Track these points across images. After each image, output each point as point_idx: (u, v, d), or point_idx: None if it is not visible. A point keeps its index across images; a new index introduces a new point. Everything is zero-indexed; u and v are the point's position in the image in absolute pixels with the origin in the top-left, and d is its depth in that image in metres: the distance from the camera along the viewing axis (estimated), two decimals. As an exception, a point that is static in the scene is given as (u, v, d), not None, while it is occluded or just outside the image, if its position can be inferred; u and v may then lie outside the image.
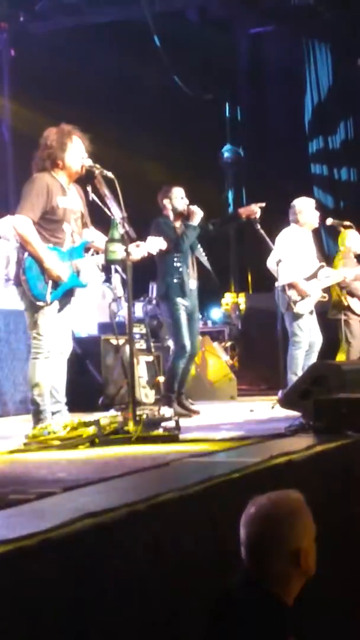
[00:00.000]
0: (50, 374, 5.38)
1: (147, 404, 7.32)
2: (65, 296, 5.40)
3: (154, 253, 5.82)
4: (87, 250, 5.58)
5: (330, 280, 8.12)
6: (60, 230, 5.38)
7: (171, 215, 7.10)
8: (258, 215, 7.17)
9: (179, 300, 7.00)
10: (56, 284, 5.28)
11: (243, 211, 7.36)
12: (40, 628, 2.19)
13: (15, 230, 5.29)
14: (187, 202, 7.14)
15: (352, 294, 8.97)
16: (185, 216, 7.10)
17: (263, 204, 7.22)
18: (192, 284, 7.13)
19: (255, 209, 7.18)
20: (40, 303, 5.25)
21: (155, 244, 5.72)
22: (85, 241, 5.52)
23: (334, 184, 13.63)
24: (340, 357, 8.85)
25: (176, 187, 7.20)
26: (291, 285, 7.60)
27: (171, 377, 7.06)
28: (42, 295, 5.24)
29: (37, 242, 5.23)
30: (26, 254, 5.25)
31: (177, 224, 7.11)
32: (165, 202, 7.12)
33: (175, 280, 7.01)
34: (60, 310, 5.42)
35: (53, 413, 5.40)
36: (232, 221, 8.08)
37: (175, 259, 7.02)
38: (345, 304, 8.96)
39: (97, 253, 5.53)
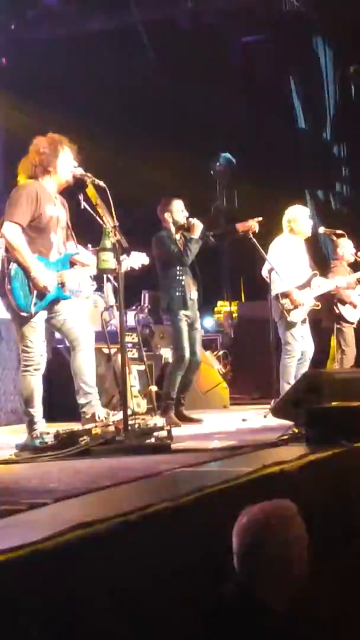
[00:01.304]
0: (41, 385, 5.36)
1: (139, 414, 7.29)
2: (51, 304, 5.36)
3: (137, 268, 5.82)
4: (71, 264, 5.56)
5: (323, 289, 8.12)
6: (47, 239, 5.35)
7: (172, 228, 7.12)
8: (256, 230, 7.21)
9: (182, 312, 7.05)
10: (42, 294, 5.24)
11: (240, 226, 7.36)
12: (28, 638, 2.17)
13: (4, 237, 5.26)
14: (187, 214, 7.16)
15: (343, 301, 8.99)
16: (185, 228, 7.12)
17: (260, 219, 7.25)
18: (194, 294, 7.21)
19: (253, 225, 7.21)
20: (23, 314, 5.21)
21: (138, 259, 5.73)
22: (69, 253, 5.50)
23: (327, 192, 13.67)
24: (330, 365, 8.86)
25: (176, 199, 7.22)
26: (285, 294, 7.60)
27: (169, 386, 7.08)
28: (27, 306, 5.20)
29: (26, 250, 5.20)
30: (12, 263, 5.22)
31: (178, 236, 7.15)
32: (167, 215, 7.14)
33: (177, 293, 7.08)
34: (52, 314, 5.39)
35: (82, 405, 5.39)
36: (229, 235, 8.05)
37: (179, 272, 7.10)
38: (337, 312, 8.98)
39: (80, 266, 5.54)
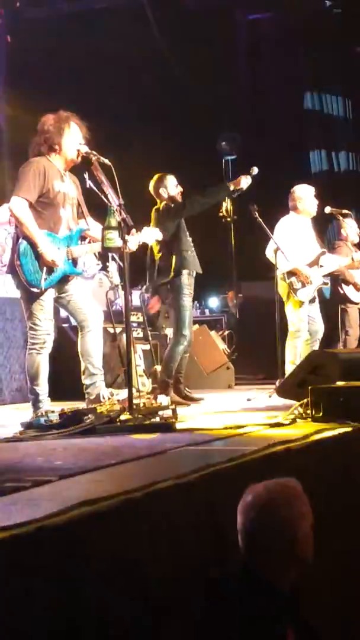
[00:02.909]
0: (47, 364, 5.37)
1: (144, 393, 7.30)
2: (61, 283, 5.38)
3: (149, 243, 5.79)
4: (82, 239, 5.57)
5: (332, 266, 8.07)
6: (56, 215, 5.35)
7: (168, 202, 7.07)
8: (244, 187, 6.92)
9: (188, 288, 6.96)
10: (50, 270, 5.25)
11: (232, 184, 7.09)
12: (34, 616, 2.18)
13: (12, 212, 5.27)
14: (181, 189, 7.12)
15: (347, 282, 8.96)
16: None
17: (255, 169, 6.97)
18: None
19: (243, 183, 6.91)
20: (34, 289, 5.23)
21: (151, 235, 5.71)
22: (80, 228, 5.50)
23: (332, 169, 13.60)
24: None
25: (169, 175, 7.17)
26: (292, 272, 7.55)
27: (171, 365, 7.05)
28: (37, 281, 5.22)
29: (33, 225, 5.20)
30: (21, 239, 5.22)
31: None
32: (162, 191, 7.09)
33: (190, 252, 7.01)
34: (62, 294, 5.39)
35: (87, 386, 5.40)
36: (222, 191, 7.71)
37: (187, 234, 7.04)
38: (341, 292, 8.95)
39: (92, 242, 5.52)
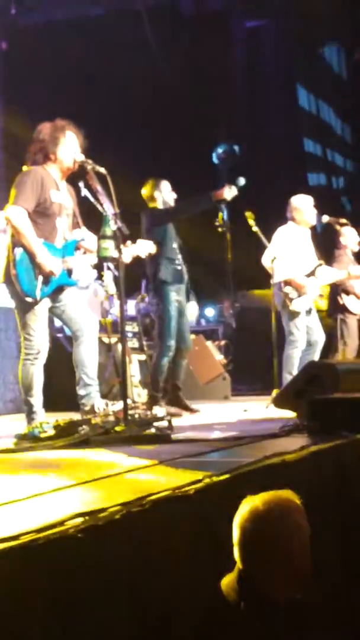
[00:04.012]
0: (41, 374, 5.34)
1: (140, 403, 7.27)
2: (56, 293, 5.35)
3: (143, 256, 5.78)
4: (77, 249, 5.55)
5: (331, 277, 8.06)
6: (52, 225, 5.34)
7: (161, 207, 7.05)
8: (228, 198, 6.74)
9: (173, 295, 6.90)
10: (47, 280, 5.23)
11: (215, 194, 6.85)
12: (28, 629, 2.16)
13: (10, 222, 5.23)
14: (175, 195, 7.10)
15: (347, 292, 8.95)
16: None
17: (242, 180, 6.84)
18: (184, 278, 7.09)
19: (226, 194, 6.72)
20: (28, 299, 5.20)
21: (144, 247, 5.69)
22: (75, 239, 5.48)
23: (330, 180, 13.63)
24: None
25: (164, 180, 7.16)
26: (287, 282, 7.54)
27: (156, 376, 6.99)
28: (32, 292, 5.19)
29: (31, 234, 5.18)
30: (18, 248, 5.19)
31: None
32: (157, 194, 7.07)
33: (173, 266, 6.96)
34: (56, 304, 5.37)
35: (81, 397, 5.37)
36: (203, 202, 7.17)
37: (175, 246, 6.99)
38: (341, 302, 8.94)
39: (86, 253, 5.50)
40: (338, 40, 13.24)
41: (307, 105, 13.75)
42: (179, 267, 7.02)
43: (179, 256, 7.04)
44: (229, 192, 6.76)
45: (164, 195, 7.08)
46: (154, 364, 7.05)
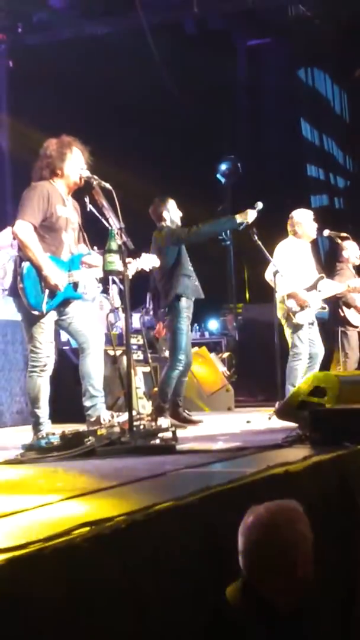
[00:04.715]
0: (48, 386, 5.40)
1: (144, 415, 7.31)
2: (62, 306, 5.41)
3: (147, 270, 5.84)
4: (81, 263, 5.60)
5: (332, 290, 8.12)
6: (58, 239, 5.40)
7: (170, 225, 7.12)
8: (250, 221, 6.89)
9: (186, 311, 6.99)
10: (53, 293, 5.28)
11: (238, 216, 7.00)
12: (36, 637, 2.17)
13: (16, 236, 5.30)
14: (181, 214, 7.17)
15: (348, 305, 9.00)
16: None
17: (260, 204, 6.93)
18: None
19: (250, 216, 6.88)
20: (35, 312, 5.26)
21: (148, 261, 5.75)
22: (81, 253, 5.54)
23: (332, 195, 13.67)
24: (333, 367, 8.86)
25: (170, 198, 7.22)
26: (290, 296, 7.59)
27: (165, 387, 7.05)
28: (38, 305, 5.25)
29: (38, 248, 5.25)
30: (25, 262, 5.26)
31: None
32: (165, 214, 7.14)
33: (188, 280, 7.03)
34: (62, 317, 5.43)
35: (87, 408, 5.42)
36: (228, 222, 7.48)
37: (188, 260, 7.07)
38: (342, 315, 8.99)
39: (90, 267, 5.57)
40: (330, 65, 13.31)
41: (311, 137, 13.79)
42: (196, 283, 7.11)
43: (193, 273, 7.12)
44: (252, 215, 6.91)
45: (171, 214, 7.14)
46: (164, 376, 7.12)
